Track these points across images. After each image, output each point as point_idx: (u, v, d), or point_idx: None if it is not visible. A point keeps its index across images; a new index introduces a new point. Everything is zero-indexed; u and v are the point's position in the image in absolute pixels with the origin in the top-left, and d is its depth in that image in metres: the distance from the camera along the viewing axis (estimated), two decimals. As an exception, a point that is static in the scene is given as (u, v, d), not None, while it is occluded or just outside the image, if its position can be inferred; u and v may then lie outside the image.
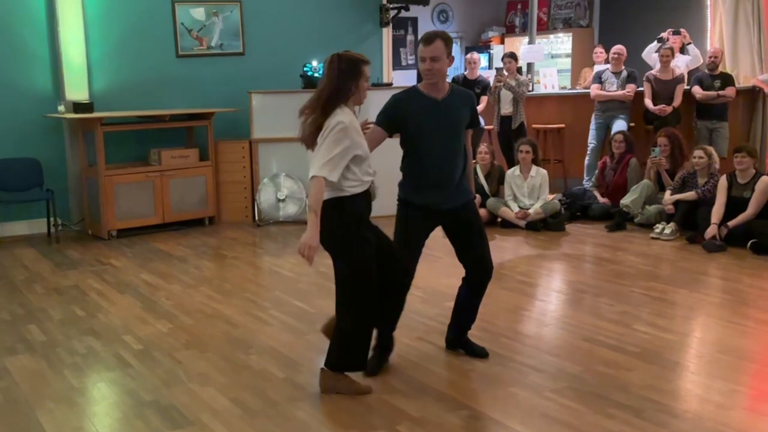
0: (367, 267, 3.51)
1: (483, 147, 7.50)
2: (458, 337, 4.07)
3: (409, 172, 3.79)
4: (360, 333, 3.55)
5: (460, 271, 5.55)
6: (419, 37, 11.97)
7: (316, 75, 7.82)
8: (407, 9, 9.19)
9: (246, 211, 7.80)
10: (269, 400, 3.53)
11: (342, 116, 3.38)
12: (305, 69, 7.84)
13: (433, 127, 3.67)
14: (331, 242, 3.48)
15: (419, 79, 8.33)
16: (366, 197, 3.54)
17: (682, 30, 8.77)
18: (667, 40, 8.66)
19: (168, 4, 7.83)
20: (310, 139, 3.48)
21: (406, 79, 10.48)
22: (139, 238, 7.14)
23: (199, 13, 8.00)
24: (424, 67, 3.63)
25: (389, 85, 8.69)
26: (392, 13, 9.17)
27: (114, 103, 7.54)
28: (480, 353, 3.99)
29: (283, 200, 7.63)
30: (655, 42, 8.57)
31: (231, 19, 8.14)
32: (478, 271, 3.89)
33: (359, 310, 3.51)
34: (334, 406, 3.46)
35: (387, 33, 9.22)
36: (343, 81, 3.40)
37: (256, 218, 7.67)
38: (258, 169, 7.74)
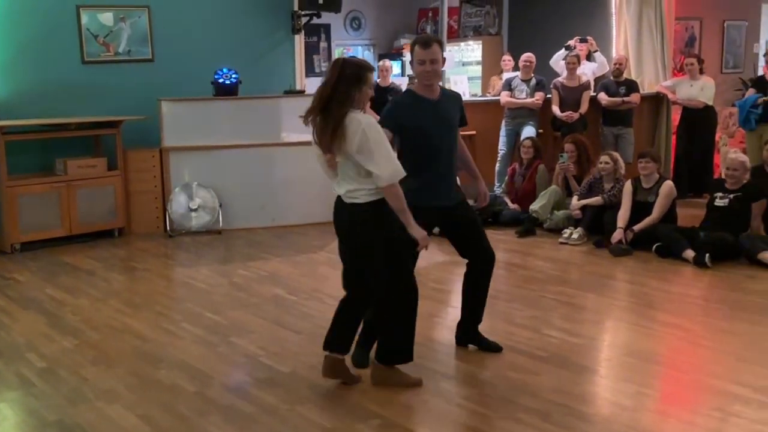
0: (407, 265, 3.62)
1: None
2: (470, 333, 4.20)
3: (410, 173, 3.78)
4: (401, 326, 3.66)
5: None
6: (331, 41, 12.09)
7: (227, 82, 7.73)
8: (319, 16, 9.16)
9: (157, 221, 7.63)
10: (179, 416, 3.47)
11: (361, 115, 3.40)
12: (216, 76, 7.74)
13: (433, 127, 3.87)
14: (374, 245, 3.50)
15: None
16: None
17: (589, 38, 9.08)
18: (575, 47, 8.94)
19: (72, 8, 7.59)
20: (326, 142, 3.46)
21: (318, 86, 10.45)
22: (45, 251, 6.89)
23: (105, 18, 7.79)
24: (424, 69, 3.82)
25: (302, 92, 8.67)
26: (304, 19, 9.14)
27: (16, 110, 7.25)
28: (494, 348, 4.16)
29: (196, 210, 7.51)
30: (563, 49, 8.83)
31: (139, 24, 7.95)
32: (484, 261, 4.11)
33: (402, 304, 3.61)
34: (245, 420, 3.42)
35: (299, 40, 9.17)
36: (345, 86, 3.38)
37: (168, 229, 7.51)
38: (169, 178, 7.59)
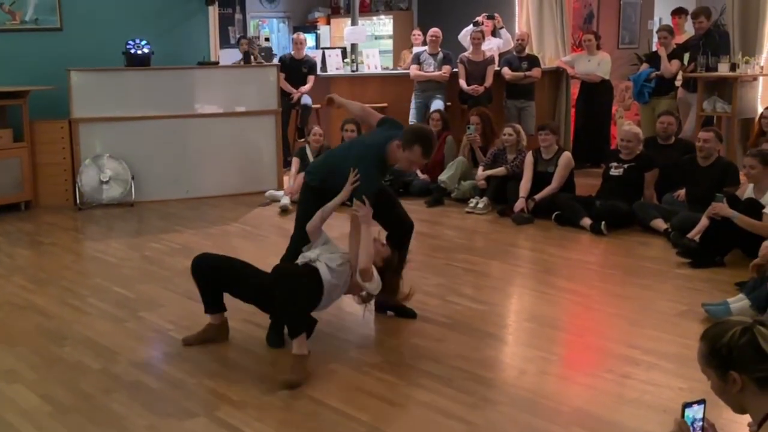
0: None
1: (317, 128, 7.36)
2: (389, 301, 4.08)
3: None
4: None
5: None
6: (246, 13, 11.70)
7: (138, 52, 7.35)
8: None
9: (66, 194, 7.22)
10: (83, 394, 3.27)
11: None
12: (128, 46, 7.34)
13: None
14: None
15: (246, 59, 8.10)
16: None
17: (496, 14, 9.06)
18: (482, 23, 8.91)
19: (-27, -26, 7.04)
20: None
21: (233, 57, 10.11)
22: (-55, 226, 6.43)
23: (10, -15, 7.26)
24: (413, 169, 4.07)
25: (215, 63, 8.35)
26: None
27: None
28: (410, 314, 4.12)
29: (107, 182, 7.14)
30: (471, 25, 8.80)
31: (46, -8, 7.45)
32: (402, 227, 4.15)
33: None
34: (150, 396, 3.26)
35: (213, 11, 8.82)
36: None
37: (78, 202, 7.13)
38: (79, 150, 7.18)
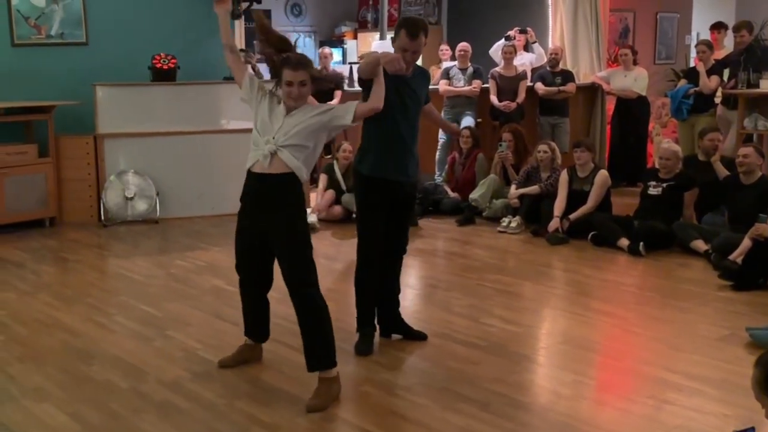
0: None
1: (346, 145, 7.43)
2: (393, 322, 4.16)
3: (374, 146, 3.88)
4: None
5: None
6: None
7: (165, 67, 7.50)
8: (259, 2, 8.97)
9: (91, 210, 7.36)
10: (112, 413, 3.34)
11: None
12: (153, 61, 7.50)
13: (401, 103, 3.81)
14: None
15: (273, 73, 8.23)
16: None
17: (528, 29, 9.10)
18: (514, 37, 8.96)
19: (1, -11, 7.25)
20: None
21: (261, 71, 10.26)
22: (-30, 242, 6.59)
23: (36, -1, 7.47)
24: (407, 57, 3.79)
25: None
26: (244, 5, 8.95)
27: (-60, 95, 6.91)
28: (419, 336, 4.14)
29: (132, 198, 7.27)
30: (503, 39, 8.85)
31: (72, 6, 7.64)
32: (397, 250, 4.10)
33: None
34: (180, 416, 3.31)
35: (239, 25, 8.98)
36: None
37: (102, 218, 7.26)
38: (104, 166, 7.32)
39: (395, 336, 4.20)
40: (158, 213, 7.32)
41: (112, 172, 7.31)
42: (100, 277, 5.67)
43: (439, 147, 8.53)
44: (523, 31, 9.04)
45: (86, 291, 5.18)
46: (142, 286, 5.29)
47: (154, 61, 7.51)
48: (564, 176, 6.66)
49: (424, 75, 4.09)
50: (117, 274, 5.78)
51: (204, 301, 4.88)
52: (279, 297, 4.91)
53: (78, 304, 4.89)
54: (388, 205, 3.94)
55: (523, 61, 8.94)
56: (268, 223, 3.43)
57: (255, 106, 3.59)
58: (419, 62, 4.33)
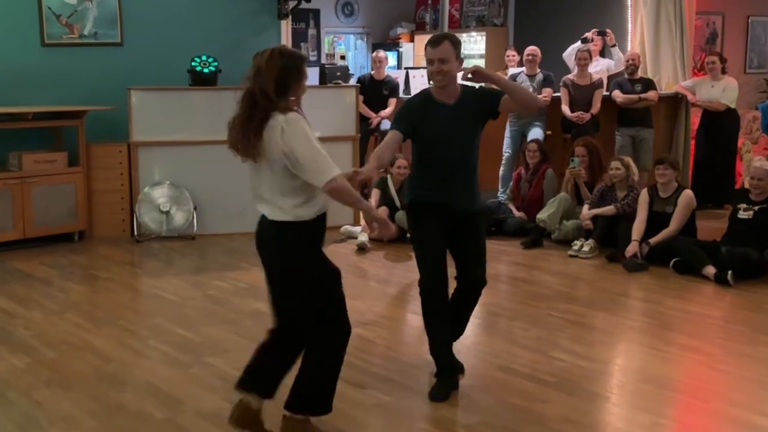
0: (334, 294, 3.40)
1: (401, 159, 7.44)
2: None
3: (422, 177, 4.00)
4: (326, 370, 3.43)
5: (364, 293, 5.57)
6: (321, 29, 12.07)
7: (205, 70, 7.68)
8: (308, 0, 9.16)
9: (123, 224, 7.55)
10: (146, 445, 3.42)
11: (293, 115, 3.28)
12: (193, 64, 7.68)
13: (448, 133, 3.88)
14: (294, 270, 3.36)
15: (322, 80, 8.35)
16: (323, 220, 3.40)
17: (607, 30, 8.96)
18: (592, 40, 8.91)
19: (32, -15, 7.53)
20: (243, 145, 3.36)
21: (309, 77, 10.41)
22: (-5, 256, 6.81)
23: (69, -4, 7.73)
24: (433, 69, 3.84)
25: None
26: (292, 4, 9.13)
27: (-34, 98, 7.18)
28: (459, 369, 4.15)
29: (167, 212, 7.44)
30: (579, 42, 8.82)
31: (107, 4, 7.89)
32: (471, 287, 4.07)
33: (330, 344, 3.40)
34: (220, 451, 3.37)
35: (286, 26, 9.15)
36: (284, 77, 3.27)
37: (135, 233, 7.44)
38: (138, 177, 7.52)
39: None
40: (195, 229, 7.47)
41: (146, 183, 7.49)
42: (132, 297, 5.81)
43: (503, 161, 8.54)
44: (601, 33, 8.96)
45: (118, 312, 5.31)
46: (178, 308, 5.40)
47: (193, 64, 7.69)
48: (644, 196, 6.61)
49: (477, 95, 3.96)
50: (151, 294, 5.90)
51: (244, 326, 4.96)
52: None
53: (109, 326, 5.02)
54: (442, 229, 3.96)
55: (599, 67, 8.89)
56: None
57: None
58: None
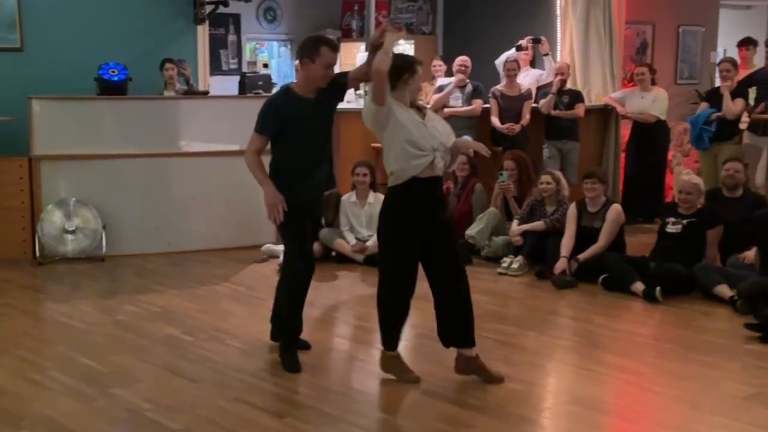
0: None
1: None
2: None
3: (286, 171, 4.52)
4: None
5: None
6: (241, 35, 12.00)
7: (114, 78, 7.54)
8: (226, 5, 9.12)
9: (24, 245, 7.34)
10: (46, 485, 3.34)
11: None
12: (101, 71, 7.54)
13: (311, 127, 4.50)
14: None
15: (241, 89, 8.30)
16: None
17: (542, 38, 9.07)
18: (526, 48, 9.07)
19: (-77, -13, 7.32)
20: None
21: (227, 86, 10.35)
22: None
23: (-38, -2, 7.54)
24: (330, 74, 4.46)
25: (205, 93, 8.56)
26: (209, 8, 9.08)
27: None
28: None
29: (73, 232, 7.27)
30: (513, 49, 8.96)
31: (5, 5, 7.71)
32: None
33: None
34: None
35: (203, 32, 9.10)
36: None
37: (38, 255, 7.26)
38: (40, 194, 7.33)
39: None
40: (104, 249, 7.33)
41: (49, 200, 7.32)
42: (33, 325, 5.64)
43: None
44: (536, 41, 9.06)
45: (16, 341, 5.15)
46: (84, 335, 5.29)
47: (101, 72, 7.56)
48: (572, 211, 6.75)
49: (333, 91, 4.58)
50: (54, 320, 5.76)
51: (156, 353, 4.89)
52: (244, 348, 4.99)
53: (6, 356, 4.87)
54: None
55: (530, 78, 9.04)
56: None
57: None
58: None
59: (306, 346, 4.91)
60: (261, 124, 4.48)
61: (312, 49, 4.37)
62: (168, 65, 8.38)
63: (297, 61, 9.59)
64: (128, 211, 7.48)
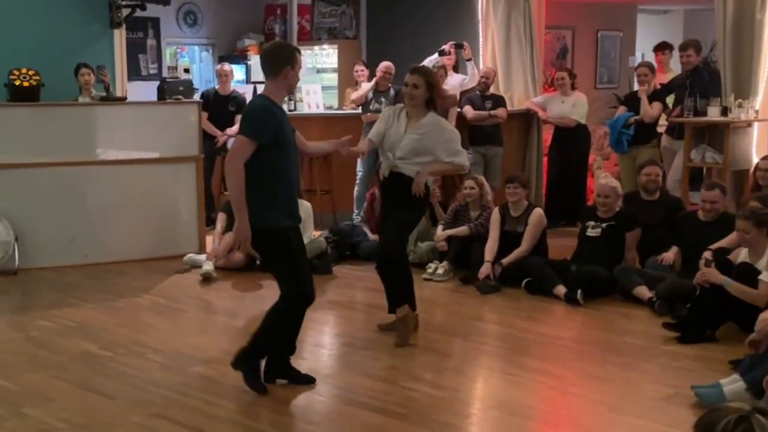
0: None
1: None
2: (281, 366, 4.50)
3: (278, 189, 4.33)
4: None
5: (209, 328, 5.49)
6: (161, 39, 11.80)
7: (25, 84, 7.35)
8: (143, 8, 8.98)
9: (-68, 259, 7.11)
10: None
11: None
12: (11, 77, 7.34)
13: (291, 138, 4.41)
14: None
15: (161, 95, 8.16)
16: None
17: (465, 44, 9.17)
18: (449, 53, 9.15)
19: None
20: None
21: (146, 91, 10.17)
22: None
23: None
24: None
25: (122, 99, 8.41)
26: (126, 11, 8.93)
27: None
28: (307, 380, 4.51)
29: (-17, 245, 7.07)
30: (436, 55, 9.03)
31: None
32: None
33: None
34: None
35: (120, 36, 8.94)
36: None
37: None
38: (-55, 206, 7.10)
39: (281, 381, 4.50)
40: (17, 262, 7.12)
41: (-44, 213, 7.09)
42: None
43: (357, 181, 8.62)
44: (458, 46, 9.16)
45: None
46: (-6, 353, 5.14)
47: (11, 77, 7.36)
48: (495, 215, 6.84)
49: None
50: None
51: (71, 370, 4.77)
52: (165, 362, 4.91)
53: None
54: None
55: (453, 83, 9.12)
56: None
57: None
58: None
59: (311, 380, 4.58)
60: (259, 130, 4.21)
61: (292, 56, 4.35)
62: (83, 70, 8.22)
63: (218, 66, 9.59)
64: (42, 222, 7.29)
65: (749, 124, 7.94)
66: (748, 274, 5.08)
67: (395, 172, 5.26)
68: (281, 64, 4.32)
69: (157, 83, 8.68)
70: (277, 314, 4.39)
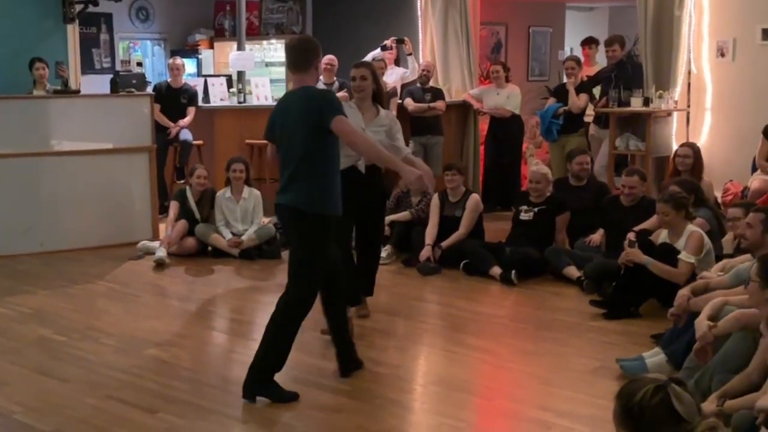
0: None
1: (201, 170, 7.30)
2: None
3: (333, 176, 4.16)
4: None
5: (162, 312, 5.38)
6: (114, 34, 11.58)
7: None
8: (96, 4, 8.77)
9: None
10: None
11: None
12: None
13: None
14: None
15: (114, 88, 7.98)
16: None
17: (405, 39, 9.17)
18: (391, 48, 9.12)
19: None
20: None
21: (99, 85, 9.94)
22: None
23: None
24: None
25: (76, 92, 8.20)
26: (79, 7, 8.71)
27: None
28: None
29: (-59, 233, 6.84)
30: (378, 49, 9.00)
31: None
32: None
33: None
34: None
35: (73, 31, 8.72)
36: None
37: None
38: None
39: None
40: (-26, 251, 6.91)
41: None
42: None
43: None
44: (399, 41, 9.15)
45: None
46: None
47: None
48: (435, 201, 6.85)
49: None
50: None
51: (26, 356, 4.65)
52: (119, 346, 4.81)
53: None
54: None
55: (394, 76, 9.11)
56: None
57: None
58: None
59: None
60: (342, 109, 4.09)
61: (319, 49, 4.20)
62: (38, 64, 8.02)
63: (170, 60, 9.43)
64: (-2, 212, 7.08)
65: (669, 113, 8.10)
66: (668, 253, 5.16)
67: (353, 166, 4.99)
68: (312, 57, 4.14)
69: (110, 77, 8.51)
70: (280, 328, 4.08)
